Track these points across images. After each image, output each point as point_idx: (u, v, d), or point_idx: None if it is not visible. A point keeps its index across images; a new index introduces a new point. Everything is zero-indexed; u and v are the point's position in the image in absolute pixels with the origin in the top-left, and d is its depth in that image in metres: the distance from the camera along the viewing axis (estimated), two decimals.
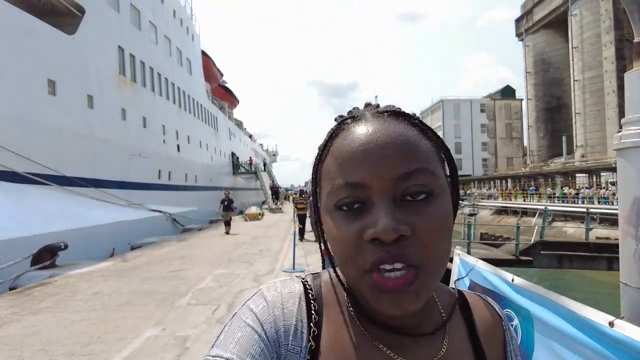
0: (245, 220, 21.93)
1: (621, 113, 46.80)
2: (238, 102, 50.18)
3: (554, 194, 33.61)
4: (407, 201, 0.48)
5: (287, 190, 68.21)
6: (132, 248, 12.81)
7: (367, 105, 0.59)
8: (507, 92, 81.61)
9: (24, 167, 10.88)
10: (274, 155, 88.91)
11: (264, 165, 43.03)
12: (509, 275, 2.38)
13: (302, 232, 12.84)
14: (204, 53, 31.23)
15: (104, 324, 4.73)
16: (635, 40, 2.57)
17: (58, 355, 3.79)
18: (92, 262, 9.12)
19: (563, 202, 29.83)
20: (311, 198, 0.61)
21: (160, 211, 17.83)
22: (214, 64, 35.28)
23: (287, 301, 0.55)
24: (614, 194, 27.93)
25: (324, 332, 0.55)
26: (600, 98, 50.21)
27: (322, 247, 0.59)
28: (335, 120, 0.58)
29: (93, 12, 14.64)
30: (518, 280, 2.29)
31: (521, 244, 10.98)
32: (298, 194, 15.55)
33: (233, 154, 38.84)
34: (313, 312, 0.56)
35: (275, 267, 8.10)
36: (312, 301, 0.57)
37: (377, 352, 0.54)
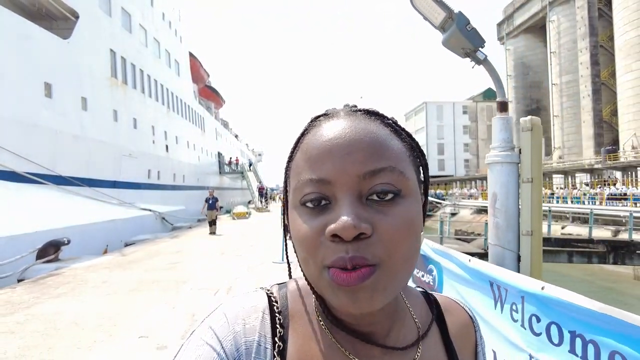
0: (233, 219, 22.58)
1: (596, 116, 48.66)
2: (224, 102, 50.59)
3: None
4: (373, 200, 0.47)
5: (272, 190, 68.77)
6: (126, 245, 13.38)
7: (345, 105, 0.57)
8: (489, 94, 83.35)
9: (23, 167, 11.37)
10: (259, 155, 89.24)
11: (250, 165, 43.57)
12: (430, 243, 3.74)
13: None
14: (191, 54, 31.70)
15: (119, 305, 5.42)
16: (497, 99, 3.65)
17: (87, 326, 4.48)
18: (92, 257, 9.72)
19: None
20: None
21: (150, 210, 18.37)
22: (200, 65, 35.73)
23: (249, 316, 0.53)
24: (585, 194, 29.38)
25: (290, 346, 0.53)
26: (577, 101, 51.80)
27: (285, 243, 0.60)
28: (310, 119, 0.57)
29: (86, 17, 15.13)
30: (435, 245, 3.60)
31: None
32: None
33: (219, 154, 39.32)
34: (278, 325, 0.53)
35: (265, 260, 8.83)
36: (276, 314, 0.54)
37: None
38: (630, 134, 41.60)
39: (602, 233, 16.10)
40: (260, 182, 38.89)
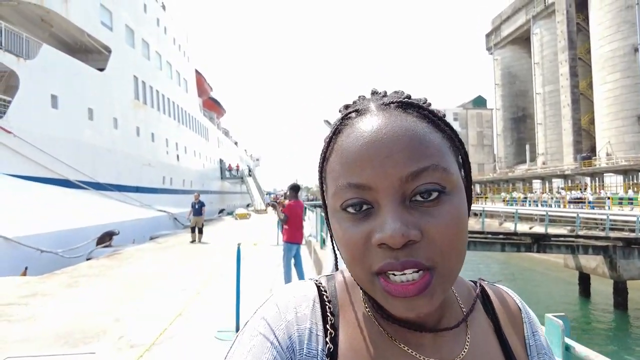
0: (236, 219, 25.80)
1: (575, 125, 51.98)
2: (225, 111, 53.95)
3: (506, 198, 38.28)
4: (417, 201, 0.46)
5: (269, 194, 71.80)
6: (151, 238, 16.47)
7: (373, 94, 0.54)
8: (479, 102, 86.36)
9: (73, 175, 14.49)
10: (257, 159, 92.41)
11: (249, 171, 46.80)
12: None
13: None
14: (196, 71, 34.98)
15: (176, 268, 8.56)
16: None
17: (149, 278, 7.62)
18: (133, 245, 12.86)
19: (512, 204, 34.44)
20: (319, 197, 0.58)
21: (165, 211, 21.51)
22: (204, 79, 39.04)
23: (300, 304, 0.54)
24: (552, 198, 32.66)
25: (341, 334, 0.53)
26: (558, 110, 54.77)
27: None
28: (340, 112, 0.54)
29: (117, 50, 18.32)
30: None
31: None
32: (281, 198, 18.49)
33: (221, 161, 42.55)
34: (329, 313, 0.54)
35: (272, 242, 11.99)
36: (327, 303, 0.55)
37: (398, 350, 0.52)
38: (605, 141, 44.97)
39: (539, 229, 19.36)
40: (275, 193, 41.83)
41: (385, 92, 0.55)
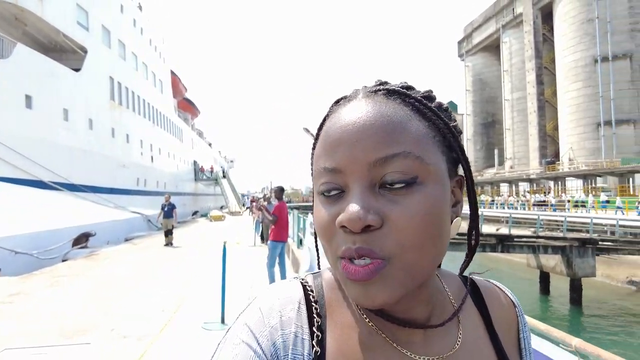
0: (210, 221, 25.88)
1: (540, 131, 54.06)
2: (199, 112, 53.59)
3: None
4: (387, 188, 0.45)
5: (243, 195, 71.45)
6: (126, 240, 16.48)
7: (377, 82, 0.54)
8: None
9: (48, 177, 14.38)
10: (231, 161, 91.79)
11: (223, 172, 46.71)
12: None
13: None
14: (172, 72, 34.80)
15: (155, 268, 8.79)
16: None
17: (127, 278, 7.86)
18: (109, 246, 12.92)
19: (480, 207, 35.85)
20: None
21: (139, 213, 21.41)
22: (180, 80, 38.82)
23: (285, 307, 0.52)
24: (518, 200, 34.11)
25: (329, 335, 0.51)
26: (525, 116, 56.87)
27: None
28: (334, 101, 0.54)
29: (93, 51, 18.23)
30: None
31: None
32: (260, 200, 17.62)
33: (195, 162, 42.34)
34: (315, 315, 0.52)
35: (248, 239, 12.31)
36: (313, 303, 0.53)
37: (389, 349, 0.51)
38: (568, 147, 47.19)
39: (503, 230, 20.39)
40: (254, 195, 41.67)
41: (386, 82, 0.54)
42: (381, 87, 0.51)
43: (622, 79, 42.90)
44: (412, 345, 0.52)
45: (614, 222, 18.51)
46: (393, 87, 0.51)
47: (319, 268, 0.63)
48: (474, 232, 0.59)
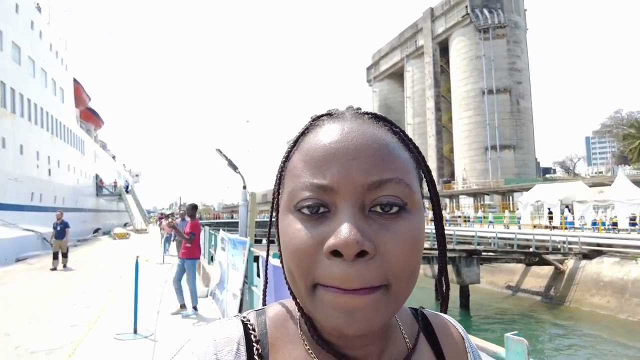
0: (114, 239, 24.46)
1: (438, 153, 59.05)
2: (103, 123, 50.34)
3: None
4: (376, 213, 0.43)
5: (149, 212, 67.75)
6: (17, 260, 15.10)
7: (349, 107, 0.52)
8: None
9: None
10: (136, 175, 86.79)
11: (127, 187, 44.11)
12: None
13: None
14: (75, 80, 32.56)
15: (57, 287, 8.43)
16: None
17: (43, 298, 7.56)
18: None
19: None
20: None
21: (32, 230, 19.64)
22: (83, 89, 36.38)
23: (222, 349, 0.47)
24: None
25: None
26: (425, 139, 61.56)
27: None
28: (311, 118, 0.52)
29: None
30: None
31: None
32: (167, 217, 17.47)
33: (97, 176, 39.57)
34: (256, 356, 0.48)
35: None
36: (254, 343, 0.49)
37: None
38: (462, 168, 52.59)
39: None
40: (155, 212, 39.68)
41: (360, 108, 0.53)
42: (364, 111, 0.51)
43: (504, 110, 49.27)
44: None
45: (494, 234, 21.24)
46: (379, 114, 0.51)
47: (265, 302, 0.60)
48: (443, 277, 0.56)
